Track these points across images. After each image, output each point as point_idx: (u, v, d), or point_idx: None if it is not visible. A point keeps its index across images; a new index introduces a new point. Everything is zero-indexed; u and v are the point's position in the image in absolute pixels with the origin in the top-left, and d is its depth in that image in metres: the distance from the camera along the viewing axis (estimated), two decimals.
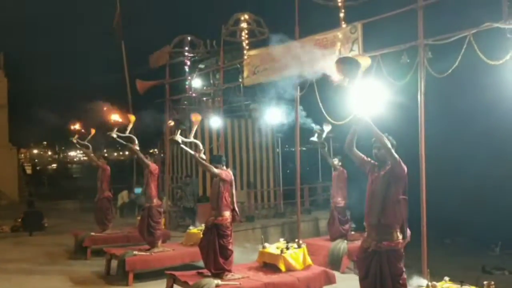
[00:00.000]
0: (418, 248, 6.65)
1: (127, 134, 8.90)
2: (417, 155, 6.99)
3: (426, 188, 6.88)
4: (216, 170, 6.62)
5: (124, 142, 8.88)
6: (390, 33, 8.20)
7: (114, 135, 8.75)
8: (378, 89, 7.02)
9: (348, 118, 8.17)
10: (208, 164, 6.77)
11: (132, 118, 9.09)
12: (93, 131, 11.09)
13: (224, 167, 6.76)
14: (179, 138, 6.80)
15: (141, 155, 8.75)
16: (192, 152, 6.76)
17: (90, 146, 11.17)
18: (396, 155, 4.38)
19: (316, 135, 9.07)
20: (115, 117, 8.82)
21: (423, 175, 6.91)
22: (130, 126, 8.99)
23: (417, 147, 7.03)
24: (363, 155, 4.67)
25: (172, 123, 7.28)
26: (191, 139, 7.12)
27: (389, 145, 4.38)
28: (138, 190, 16.54)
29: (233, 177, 6.74)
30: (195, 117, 7.26)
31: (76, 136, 11.05)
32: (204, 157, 6.81)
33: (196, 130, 7.42)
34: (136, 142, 8.80)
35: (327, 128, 8.97)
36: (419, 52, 7.07)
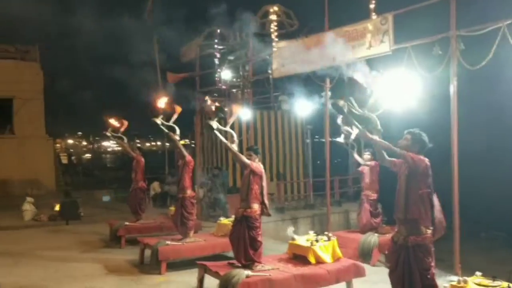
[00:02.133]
0: (451, 242, 6.60)
1: (170, 123, 8.93)
2: (450, 147, 6.93)
3: (460, 181, 6.82)
4: (247, 161, 6.67)
5: (166, 130, 8.90)
6: (422, 24, 8.09)
7: (158, 122, 8.75)
8: (409, 81, 7.01)
9: (378, 110, 8.17)
10: (239, 154, 6.81)
11: (178, 108, 9.12)
12: (125, 123, 11.32)
13: (257, 159, 6.82)
14: (214, 124, 6.87)
15: (180, 145, 8.86)
16: (224, 140, 6.80)
17: (125, 138, 11.41)
18: (402, 152, 4.46)
19: (342, 136, 8.51)
20: (163, 104, 8.82)
21: (455, 167, 6.84)
22: (175, 116, 9.06)
23: (449, 139, 6.96)
24: (393, 159, 4.70)
25: (213, 108, 7.28)
26: (227, 128, 7.19)
27: (391, 148, 4.50)
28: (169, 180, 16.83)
29: (263, 171, 6.78)
30: (236, 108, 7.33)
31: (110, 129, 11.30)
32: (236, 148, 6.87)
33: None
34: (178, 132, 8.89)
35: (356, 130, 8.52)
36: (451, 43, 6.97)
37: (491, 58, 6.44)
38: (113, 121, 11.26)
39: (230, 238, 6.91)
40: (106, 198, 11.93)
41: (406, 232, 4.42)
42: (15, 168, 20.24)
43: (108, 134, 11.38)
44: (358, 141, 9.04)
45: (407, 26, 8.28)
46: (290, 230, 7.36)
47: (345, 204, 15.15)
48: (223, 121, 7.44)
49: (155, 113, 8.83)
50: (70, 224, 13.22)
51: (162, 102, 8.81)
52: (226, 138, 6.93)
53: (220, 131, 6.97)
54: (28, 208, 14.05)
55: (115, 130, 11.34)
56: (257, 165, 6.71)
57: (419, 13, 7.81)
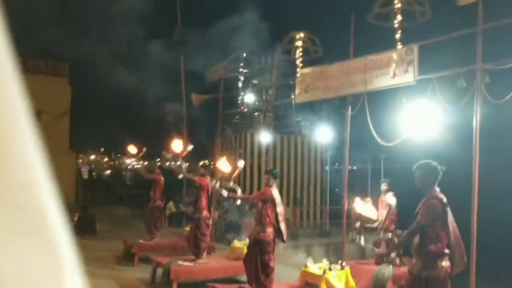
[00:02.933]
0: (469, 279, 6.40)
1: (179, 161, 9.50)
2: (471, 180, 6.78)
3: (480, 216, 6.64)
4: (253, 197, 6.85)
5: (173, 168, 9.49)
6: (447, 55, 8.05)
7: (167, 156, 9.55)
8: (432, 112, 6.95)
9: (399, 139, 8.11)
10: (246, 197, 6.97)
11: (189, 147, 9.55)
12: (144, 149, 11.64)
13: (275, 184, 6.84)
14: (224, 193, 7.68)
15: (189, 176, 9.15)
16: (225, 195, 7.59)
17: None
18: (415, 225, 4.46)
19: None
20: (175, 146, 9.86)
21: (475, 203, 6.67)
22: (185, 153, 9.45)
23: (470, 172, 6.82)
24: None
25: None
26: (231, 184, 7.80)
27: (410, 233, 4.53)
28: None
29: (275, 196, 6.74)
30: (240, 162, 8.09)
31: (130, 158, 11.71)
32: (239, 193, 7.62)
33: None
34: (184, 166, 9.38)
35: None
36: (476, 76, 6.89)
37: None
38: (133, 150, 11.63)
39: (244, 261, 6.87)
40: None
41: (421, 265, 4.32)
42: None
43: (127, 160, 11.87)
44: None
45: (432, 57, 8.24)
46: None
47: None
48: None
49: (166, 150, 9.86)
50: (85, 238, 13.26)
51: (174, 144, 9.88)
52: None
53: (229, 189, 7.70)
54: None
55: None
56: (264, 192, 6.72)
57: (445, 44, 7.78)
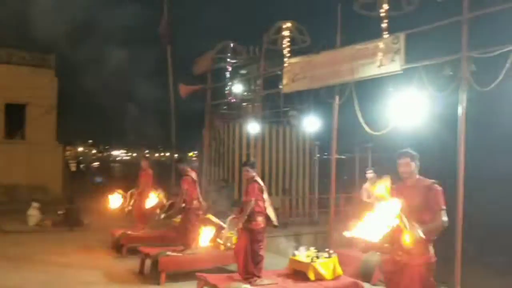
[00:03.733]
0: (454, 264, 6.48)
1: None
2: (456, 167, 6.83)
3: (465, 202, 6.71)
4: (250, 202, 6.62)
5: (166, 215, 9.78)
6: (434, 44, 8.07)
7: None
8: (419, 100, 6.99)
9: (387, 128, 8.15)
10: (247, 211, 6.72)
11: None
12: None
13: (255, 173, 6.85)
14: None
15: (179, 198, 8.97)
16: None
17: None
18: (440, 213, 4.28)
19: None
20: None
21: (461, 188, 6.73)
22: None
23: (456, 159, 6.88)
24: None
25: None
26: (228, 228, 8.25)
27: (437, 221, 4.25)
28: None
29: (260, 185, 6.77)
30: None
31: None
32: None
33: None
34: (169, 203, 9.92)
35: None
36: (462, 64, 6.93)
37: (502, 81, 6.39)
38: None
39: (234, 250, 6.92)
40: (98, 179, 12.48)
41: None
42: (24, 173, 20.38)
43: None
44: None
45: (419, 45, 8.25)
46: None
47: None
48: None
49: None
50: (73, 230, 13.21)
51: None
52: None
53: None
54: (34, 213, 14.07)
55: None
56: (252, 188, 6.69)
57: (431, 33, 7.78)
